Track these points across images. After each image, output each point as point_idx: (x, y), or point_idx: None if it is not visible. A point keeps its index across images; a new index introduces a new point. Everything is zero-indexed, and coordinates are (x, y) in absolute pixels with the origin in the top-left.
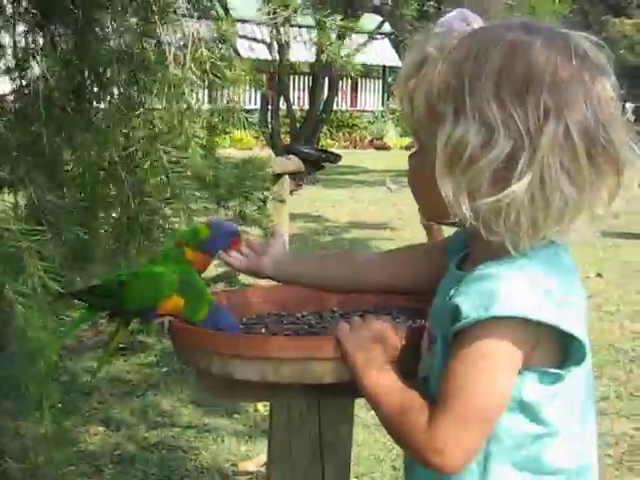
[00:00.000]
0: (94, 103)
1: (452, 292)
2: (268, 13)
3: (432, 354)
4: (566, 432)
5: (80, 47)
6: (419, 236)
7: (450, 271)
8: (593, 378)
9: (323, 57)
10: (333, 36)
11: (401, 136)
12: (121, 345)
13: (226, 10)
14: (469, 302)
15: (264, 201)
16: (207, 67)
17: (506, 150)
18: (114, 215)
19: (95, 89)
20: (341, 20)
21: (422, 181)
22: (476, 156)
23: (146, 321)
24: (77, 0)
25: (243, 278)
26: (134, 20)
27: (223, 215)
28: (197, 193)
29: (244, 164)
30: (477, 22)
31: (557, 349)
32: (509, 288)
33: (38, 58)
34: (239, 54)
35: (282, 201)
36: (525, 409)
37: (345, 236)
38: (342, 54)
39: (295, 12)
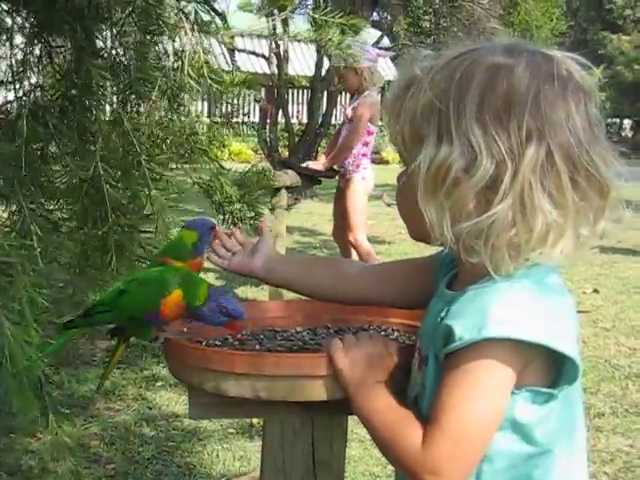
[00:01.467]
0: (90, 114)
1: (443, 313)
2: (266, 15)
3: (423, 374)
4: (557, 451)
5: (76, 59)
6: (417, 251)
7: (440, 291)
8: (582, 394)
9: (323, 53)
10: (334, 33)
11: None
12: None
13: (224, 22)
14: (462, 324)
15: (272, 209)
16: (205, 72)
17: (489, 173)
18: (87, 230)
19: (88, 102)
20: (340, 17)
21: (407, 201)
22: (460, 178)
23: (144, 327)
24: (74, 11)
25: (240, 291)
26: (132, 30)
27: (220, 221)
28: (181, 206)
29: (246, 174)
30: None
31: (549, 369)
32: (501, 309)
33: (35, 70)
34: (236, 65)
35: (288, 208)
36: (517, 429)
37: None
38: (343, 47)
39: (293, 12)
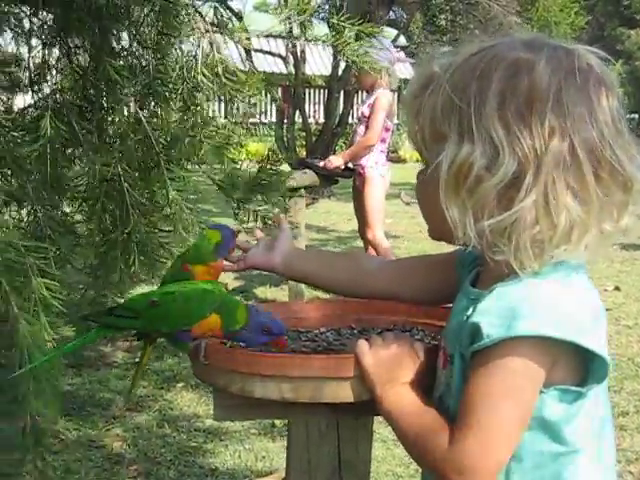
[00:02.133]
0: (107, 117)
1: (469, 311)
2: (284, 19)
3: (447, 373)
4: (586, 450)
5: (95, 59)
6: (435, 249)
7: (465, 289)
8: (608, 392)
9: (339, 66)
10: (351, 40)
11: None
12: (136, 360)
13: (241, 22)
14: (489, 321)
15: (284, 199)
16: (219, 70)
17: (512, 170)
18: (106, 230)
19: (107, 102)
20: (359, 24)
21: (428, 200)
22: (482, 176)
23: (178, 342)
24: (92, 11)
25: (259, 292)
26: (150, 30)
27: (239, 219)
28: (198, 209)
29: (259, 173)
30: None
31: (578, 366)
32: (529, 307)
33: (53, 72)
34: (253, 65)
35: (307, 204)
36: (546, 428)
37: (359, 245)
38: (361, 54)
39: (311, 16)
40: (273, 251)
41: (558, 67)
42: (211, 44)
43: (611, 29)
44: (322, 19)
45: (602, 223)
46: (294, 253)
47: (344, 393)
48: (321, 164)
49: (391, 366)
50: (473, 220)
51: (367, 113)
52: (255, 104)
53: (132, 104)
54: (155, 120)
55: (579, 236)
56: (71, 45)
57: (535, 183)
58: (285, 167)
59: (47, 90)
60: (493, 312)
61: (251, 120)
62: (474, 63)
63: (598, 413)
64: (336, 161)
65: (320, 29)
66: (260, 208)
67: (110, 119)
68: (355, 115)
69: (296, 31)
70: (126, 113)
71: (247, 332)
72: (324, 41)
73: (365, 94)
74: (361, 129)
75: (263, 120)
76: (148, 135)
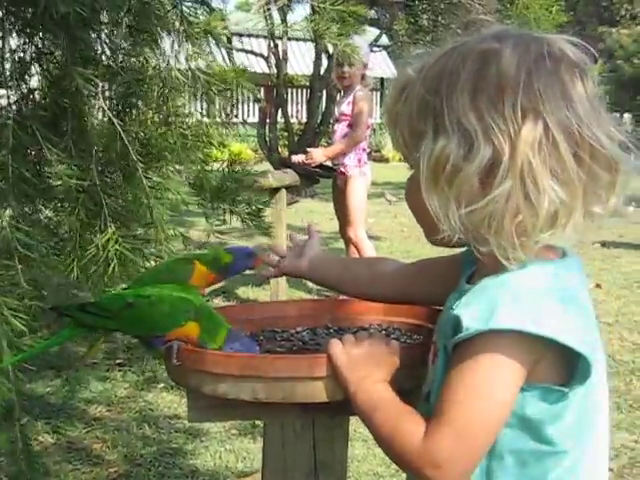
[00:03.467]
0: (82, 121)
1: (454, 304)
2: (264, 4)
3: (434, 368)
4: (576, 452)
5: (63, 67)
6: (419, 248)
7: (460, 285)
8: (607, 393)
9: (322, 43)
10: (333, 26)
11: None
12: (118, 361)
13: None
14: (470, 314)
15: (249, 204)
16: (197, 71)
17: (487, 157)
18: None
19: (79, 109)
20: (340, 3)
21: (417, 203)
22: (459, 167)
23: (151, 346)
24: (57, 18)
25: (240, 292)
26: (125, 32)
27: (210, 220)
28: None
29: (229, 173)
30: None
31: (562, 366)
32: (510, 301)
33: (26, 77)
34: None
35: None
36: (527, 426)
37: (341, 247)
38: (342, 37)
39: (290, 1)
40: (301, 258)
41: (526, 53)
42: (189, 43)
43: (592, 29)
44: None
45: (589, 205)
46: (318, 258)
47: (317, 393)
48: (300, 157)
49: (364, 365)
50: (457, 212)
51: (348, 111)
52: (236, 101)
53: (105, 110)
54: (131, 126)
55: (564, 220)
56: (44, 51)
57: (510, 167)
58: (267, 166)
59: (14, 98)
60: (474, 305)
61: (233, 120)
62: (444, 61)
63: (589, 414)
64: (317, 155)
65: (302, 23)
66: (236, 208)
67: (85, 126)
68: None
69: (276, 17)
70: (100, 119)
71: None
72: (304, 27)
73: (339, 94)
74: (341, 128)
75: (245, 120)
76: (124, 143)
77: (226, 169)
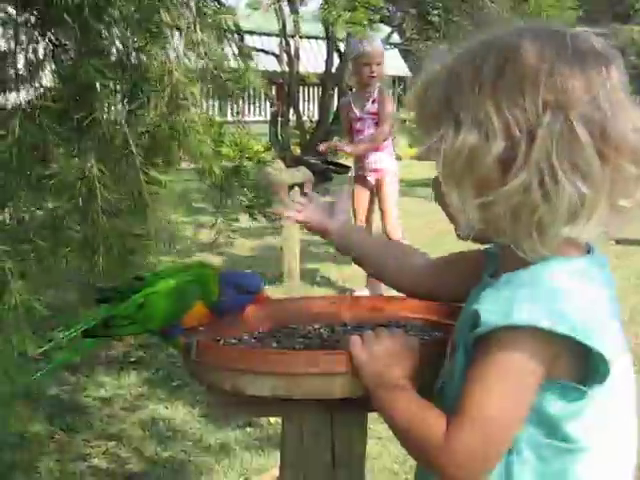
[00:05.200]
0: (90, 114)
1: (475, 299)
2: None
3: (452, 363)
4: (598, 450)
5: (76, 58)
6: (434, 246)
7: (482, 280)
8: (634, 395)
9: (331, 30)
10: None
11: (410, 146)
12: (132, 359)
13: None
14: (488, 308)
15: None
16: (207, 61)
17: (504, 149)
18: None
19: (90, 102)
20: None
21: (443, 201)
22: (477, 159)
23: (169, 338)
24: (72, 9)
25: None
26: (136, 28)
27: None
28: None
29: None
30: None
31: (581, 364)
32: (531, 296)
33: (39, 70)
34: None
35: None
36: (545, 422)
37: None
38: (352, 28)
39: None
40: (331, 216)
41: (548, 46)
42: (201, 40)
43: (604, 24)
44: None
45: (614, 199)
46: (351, 226)
47: (337, 389)
48: (326, 145)
49: (384, 361)
50: (476, 204)
51: (374, 109)
52: (248, 98)
53: (117, 104)
54: (137, 120)
55: (588, 214)
56: (56, 43)
57: (527, 160)
58: (279, 164)
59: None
60: (493, 300)
61: (245, 118)
62: (468, 56)
63: (610, 414)
64: (352, 149)
65: (313, 28)
66: (244, 199)
67: (93, 119)
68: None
69: (287, 13)
70: (108, 112)
71: (226, 299)
72: (315, 16)
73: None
74: (368, 125)
75: (257, 118)
76: (126, 137)
77: (238, 162)
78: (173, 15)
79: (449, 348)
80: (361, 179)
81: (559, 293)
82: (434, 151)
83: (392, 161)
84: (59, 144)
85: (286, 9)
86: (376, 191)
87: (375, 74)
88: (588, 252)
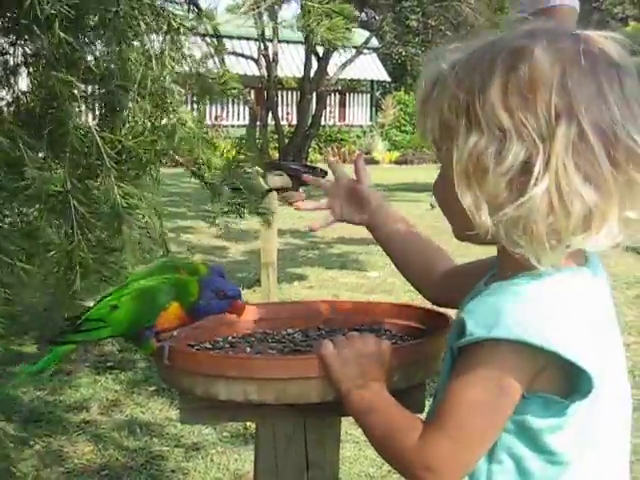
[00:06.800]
0: (61, 125)
1: (464, 306)
2: (252, 9)
3: (443, 366)
4: (584, 465)
5: (46, 70)
6: None
7: (476, 287)
8: (625, 410)
9: (311, 38)
10: (322, 17)
11: (389, 150)
12: (108, 364)
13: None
14: (474, 319)
15: (262, 213)
16: (185, 67)
17: (520, 157)
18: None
19: (61, 113)
20: (327, 3)
21: (445, 199)
22: (491, 165)
23: (142, 341)
24: (42, 20)
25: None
26: (110, 35)
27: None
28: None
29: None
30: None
31: (564, 378)
32: (515, 309)
33: (12, 79)
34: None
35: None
36: (526, 434)
37: (332, 251)
38: (331, 35)
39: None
40: (362, 205)
41: (560, 51)
42: (177, 47)
43: (581, 31)
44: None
45: (624, 210)
46: (383, 210)
47: (309, 394)
48: None
49: (356, 365)
50: (488, 211)
51: None
52: (226, 103)
53: (83, 115)
54: (112, 131)
55: (598, 224)
56: (30, 53)
57: (546, 168)
58: (257, 169)
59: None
60: (479, 310)
61: (223, 123)
62: (477, 57)
63: (600, 427)
64: None
65: (292, 34)
66: (234, 201)
67: (64, 130)
68: (327, 117)
69: (265, 18)
70: (79, 124)
71: (203, 302)
72: (295, 24)
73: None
74: None
75: (236, 122)
76: (100, 150)
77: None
78: (150, 25)
79: (447, 352)
80: None
81: (545, 306)
82: (440, 150)
83: None
84: (33, 157)
85: (265, 14)
86: None
87: None
88: (586, 261)
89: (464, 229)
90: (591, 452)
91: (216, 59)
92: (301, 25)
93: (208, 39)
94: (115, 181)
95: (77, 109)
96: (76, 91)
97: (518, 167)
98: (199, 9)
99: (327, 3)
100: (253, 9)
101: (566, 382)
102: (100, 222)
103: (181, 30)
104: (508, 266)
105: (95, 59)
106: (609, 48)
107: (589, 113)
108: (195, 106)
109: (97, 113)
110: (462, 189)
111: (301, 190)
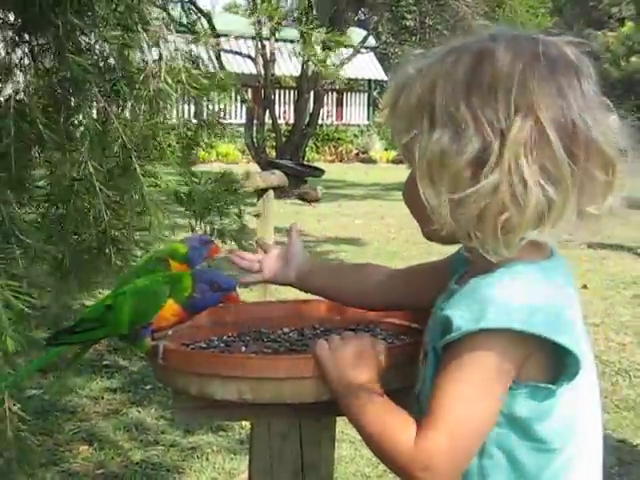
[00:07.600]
0: (75, 116)
1: (443, 305)
2: (253, 24)
3: (424, 368)
4: (569, 451)
5: (60, 58)
6: (405, 250)
7: (448, 287)
8: (598, 395)
9: (308, 69)
10: (318, 48)
11: (386, 149)
12: (105, 363)
13: (210, 22)
14: (459, 314)
15: (239, 216)
16: (182, 77)
17: (476, 150)
18: (86, 229)
19: (73, 102)
20: (326, 33)
21: (413, 199)
22: (450, 160)
23: (138, 340)
24: (57, 9)
25: None
26: (115, 28)
27: (199, 230)
28: (170, 207)
29: (219, 179)
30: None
31: (550, 363)
32: (501, 300)
33: (17, 71)
34: (222, 66)
35: (257, 215)
36: (515, 425)
37: (326, 249)
38: (328, 65)
39: (280, 24)
40: (288, 266)
41: (520, 52)
42: (176, 47)
43: (578, 30)
44: (292, 21)
45: (583, 205)
46: (306, 268)
47: (304, 393)
48: None
49: (351, 365)
50: (447, 204)
51: None
52: (225, 105)
53: (100, 102)
54: (122, 120)
55: (554, 218)
56: (34, 43)
57: (498, 162)
58: (254, 167)
59: (9, 90)
60: (464, 305)
61: (221, 121)
62: (442, 60)
63: (579, 414)
64: None
65: (289, 32)
66: (218, 222)
67: (77, 118)
68: (325, 116)
69: (265, 33)
70: (94, 112)
71: (198, 295)
72: (292, 51)
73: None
74: None
75: (233, 121)
76: (119, 134)
77: (213, 183)
78: (149, 23)
79: (421, 353)
80: None
81: (526, 294)
82: (408, 150)
83: None
84: (47, 144)
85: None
86: None
87: None
88: (551, 254)
89: (429, 225)
90: (575, 439)
91: (213, 57)
92: (298, 53)
93: (205, 37)
94: (136, 160)
95: (93, 96)
96: (90, 76)
97: (475, 160)
98: (198, 9)
99: (326, 33)
100: (255, 25)
101: (551, 368)
102: (125, 203)
103: (178, 29)
104: (482, 262)
105: (99, 49)
106: (566, 50)
107: (549, 110)
108: (192, 106)
109: (107, 101)
110: (424, 185)
111: (307, 186)
